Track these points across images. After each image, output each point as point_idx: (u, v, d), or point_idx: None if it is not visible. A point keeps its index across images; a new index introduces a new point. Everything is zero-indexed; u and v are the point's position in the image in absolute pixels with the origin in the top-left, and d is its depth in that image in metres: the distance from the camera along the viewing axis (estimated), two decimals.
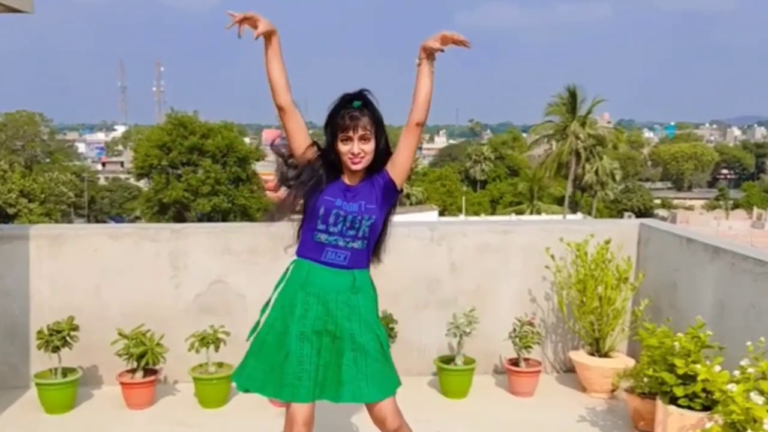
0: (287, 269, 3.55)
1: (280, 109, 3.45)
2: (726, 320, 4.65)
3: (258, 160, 52.33)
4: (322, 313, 3.41)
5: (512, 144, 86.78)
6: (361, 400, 3.43)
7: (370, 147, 3.40)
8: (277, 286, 3.57)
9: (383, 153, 3.47)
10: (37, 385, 5.35)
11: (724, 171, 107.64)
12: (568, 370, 6.09)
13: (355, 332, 3.41)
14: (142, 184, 56.20)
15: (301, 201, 3.51)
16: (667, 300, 5.45)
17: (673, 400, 4.24)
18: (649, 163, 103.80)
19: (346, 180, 3.48)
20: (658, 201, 80.00)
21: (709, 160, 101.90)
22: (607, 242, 5.67)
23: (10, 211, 49.56)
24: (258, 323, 3.57)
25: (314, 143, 3.50)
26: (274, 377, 3.40)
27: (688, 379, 4.17)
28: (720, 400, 3.60)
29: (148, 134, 53.21)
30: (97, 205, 66.81)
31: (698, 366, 3.94)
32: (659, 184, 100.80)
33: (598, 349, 5.70)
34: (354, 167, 3.41)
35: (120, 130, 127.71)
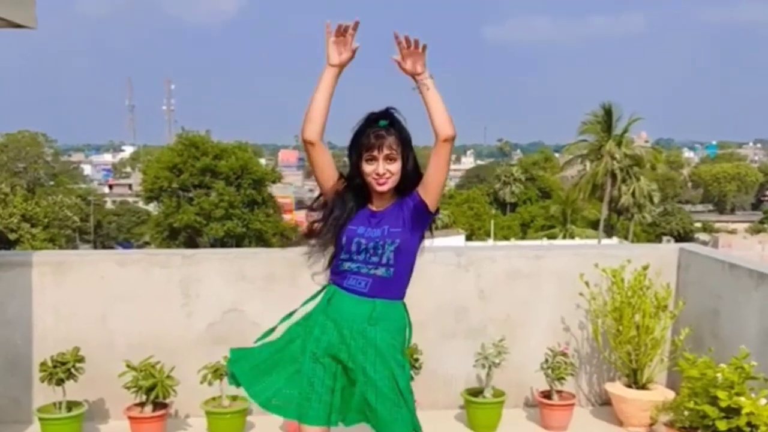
0: (321, 288, 3.61)
1: (310, 143, 3.47)
2: None
3: (274, 182, 52.57)
4: (336, 341, 3.45)
5: (544, 164, 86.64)
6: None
7: (396, 167, 3.41)
8: (305, 302, 3.63)
9: (412, 174, 3.47)
10: (41, 419, 5.40)
11: None
12: (604, 403, 6.08)
13: (368, 367, 3.42)
14: (152, 207, 56.54)
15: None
16: (709, 329, 5.44)
17: None
18: (690, 184, 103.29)
19: (373, 207, 3.50)
20: (698, 224, 79.42)
21: (753, 180, 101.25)
22: (645, 268, 5.67)
23: (12, 236, 49.88)
24: (273, 329, 3.68)
25: (341, 175, 3.54)
26: (282, 389, 3.48)
27: (732, 412, 4.15)
28: None
29: (158, 155, 53.57)
30: (104, 230, 67.12)
31: (742, 399, 3.93)
32: (700, 207, 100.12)
33: (635, 380, 5.69)
34: (379, 188, 3.42)
35: (128, 150, 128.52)
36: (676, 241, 70.57)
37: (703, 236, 72.27)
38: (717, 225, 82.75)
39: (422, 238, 3.55)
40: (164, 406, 5.55)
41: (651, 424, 5.53)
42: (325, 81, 3.40)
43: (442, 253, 6.05)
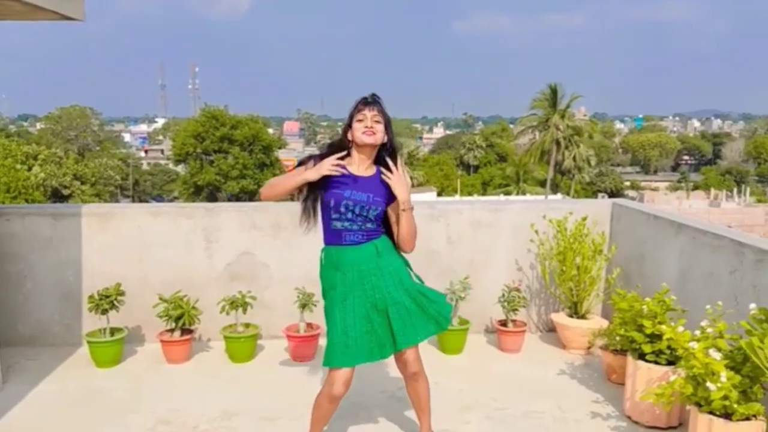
0: (321, 258, 3.54)
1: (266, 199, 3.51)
2: (688, 287, 4.59)
3: (280, 148, 52.13)
4: (359, 284, 3.42)
5: (501, 134, 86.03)
6: (404, 345, 3.46)
7: (380, 129, 3.41)
8: (321, 276, 3.56)
9: (389, 147, 3.48)
10: (89, 342, 5.34)
11: (686, 157, 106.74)
12: (550, 330, 6.04)
13: (391, 289, 3.45)
14: (180, 168, 56.08)
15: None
16: (636, 269, 5.39)
17: (642, 356, 4.18)
18: (620, 150, 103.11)
19: (355, 170, 3.45)
20: (627, 183, 79.47)
21: (672, 147, 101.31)
22: (584, 219, 5.59)
23: (65, 192, 49.55)
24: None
25: (301, 162, 3.55)
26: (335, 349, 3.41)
27: (655, 338, 4.12)
28: (683, 356, 3.54)
29: (185, 126, 53.01)
30: (141, 187, 66.66)
31: (663, 326, 3.89)
32: (629, 169, 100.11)
33: (576, 311, 5.65)
34: (367, 139, 3.38)
35: (160, 122, 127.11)
36: (609, 197, 70.18)
37: (631, 193, 72.30)
38: (643, 184, 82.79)
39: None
40: (190, 331, 5.50)
41: (589, 348, 5.51)
42: (292, 186, 3.43)
43: (417, 206, 5.93)
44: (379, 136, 3.41)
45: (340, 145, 3.48)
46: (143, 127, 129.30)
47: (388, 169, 3.42)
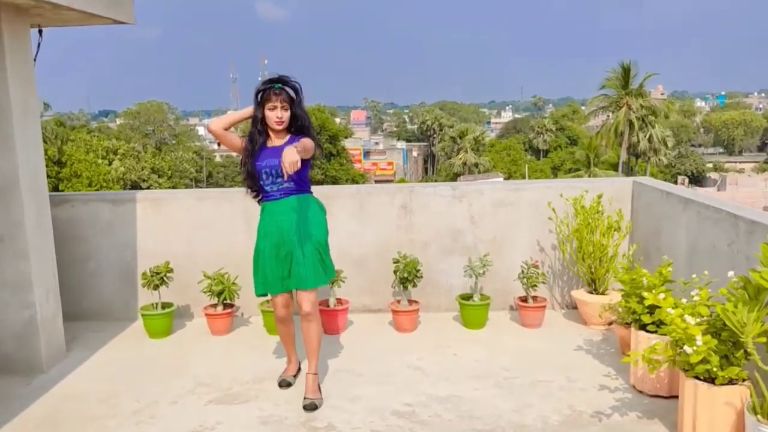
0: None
1: (216, 134, 4.48)
2: (695, 260, 4.78)
3: (346, 137, 52.70)
4: (276, 232, 4.35)
5: (572, 116, 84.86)
6: (301, 286, 4.36)
7: (287, 115, 4.33)
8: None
9: (299, 119, 4.38)
10: (143, 315, 5.90)
11: None
12: (574, 308, 6.25)
13: (298, 237, 4.32)
14: (234, 152, 57.22)
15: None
16: (654, 245, 5.57)
17: (643, 327, 4.39)
18: (702, 130, 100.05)
19: (273, 143, 4.39)
20: (710, 165, 77.17)
21: (758, 126, 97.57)
22: (599, 197, 5.81)
23: (144, 185, 51.48)
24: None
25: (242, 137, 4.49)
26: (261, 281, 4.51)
27: (655, 309, 4.30)
28: (666, 322, 3.77)
29: None
30: (214, 179, 68.27)
31: (661, 297, 4.08)
32: (711, 150, 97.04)
33: (595, 288, 5.85)
34: (278, 127, 4.33)
35: None
36: (690, 180, 68.62)
37: (713, 175, 70.13)
38: (726, 165, 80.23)
39: (308, 160, 4.32)
40: (231, 306, 6.00)
41: (610, 324, 5.69)
42: (228, 126, 4.50)
43: (440, 188, 6.26)
44: (287, 121, 4.33)
45: (260, 130, 4.40)
46: None
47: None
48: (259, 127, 4.37)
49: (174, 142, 68.82)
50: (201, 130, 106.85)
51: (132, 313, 6.32)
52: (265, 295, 4.58)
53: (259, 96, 4.34)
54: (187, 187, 58.85)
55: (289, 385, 4.76)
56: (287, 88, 4.33)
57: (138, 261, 6.31)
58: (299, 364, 4.95)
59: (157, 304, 5.95)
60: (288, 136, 4.40)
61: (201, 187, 65.81)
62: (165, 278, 5.91)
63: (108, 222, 6.29)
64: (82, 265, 6.32)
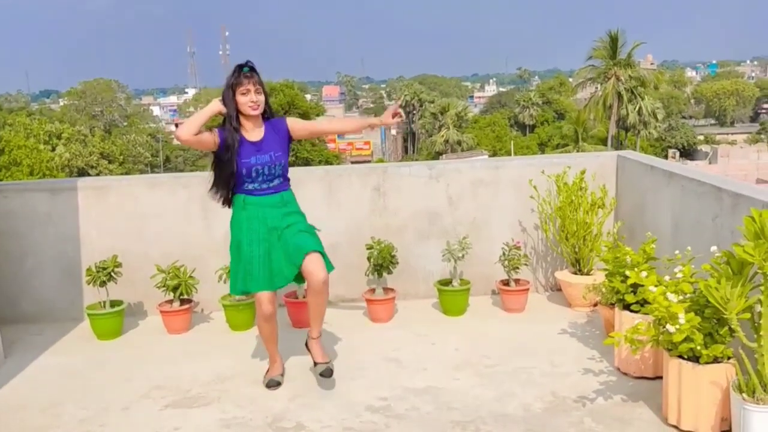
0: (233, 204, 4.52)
1: (186, 141, 4.36)
2: (679, 235, 4.86)
3: (318, 115, 52.56)
4: (261, 224, 4.41)
5: (559, 89, 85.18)
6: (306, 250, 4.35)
7: (262, 99, 4.36)
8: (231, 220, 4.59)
9: (269, 106, 4.50)
10: (89, 315, 5.83)
11: (766, 106, 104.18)
12: (558, 290, 6.32)
13: (289, 223, 4.44)
14: (206, 149, 56.99)
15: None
16: (639, 222, 5.64)
17: (627, 307, 4.48)
18: (692, 101, 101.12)
19: (250, 137, 4.41)
20: (701, 137, 78.02)
21: (751, 95, 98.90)
22: (582, 173, 5.87)
23: (92, 172, 50.90)
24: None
25: (210, 129, 4.42)
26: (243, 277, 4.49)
27: (638, 288, 4.37)
28: (649, 300, 3.84)
29: (217, 95, 53.80)
30: (172, 164, 67.80)
31: (644, 275, 4.15)
32: (702, 122, 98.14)
33: (579, 268, 5.94)
34: (253, 112, 4.34)
35: (191, 92, 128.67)
36: (681, 153, 69.38)
37: (705, 148, 71.00)
38: (718, 137, 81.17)
39: (288, 149, 4.55)
40: (189, 301, 5.95)
41: (594, 305, 5.74)
42: (202, 123, 4.33)
43: (416, 167, 6.28)
44: (262, 106, 4.37)
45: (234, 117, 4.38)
46: (173, 99, 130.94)
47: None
48: (234, 123, 4.36)
49: (125, 124, 68.25)
50: (156, 110, 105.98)
51: (77, 313, 6.22)
52: (246, 293, 4.63)
53: (231, 87, 4.34)
54: (141, 173, 58.43)
55: (278, 384, 4.71)
56: (257, 73, 4.38)
57: (82, 256, 6.21)
58: (283, 364, 4.91)
59: (104, 302, 5.87)
60: (263, 124, 4.45)
61: (157, 173, 65.52)
62: (113, 274, 5.83)
63: (46, 214, 6.17)
64: (19, 263, 6.21)
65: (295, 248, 4.36)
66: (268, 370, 4.82)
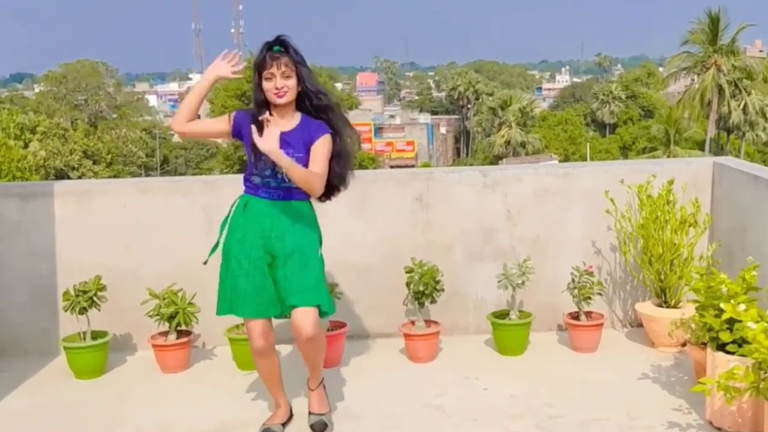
0: (234, 203, 4.51)
1: (181, 132, 4.57)
2: None
3: (351, 108, 52.48)
4: (257, 238, 4.41)
5: (646, 80, 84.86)
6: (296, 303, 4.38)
7: (292, 83, 4.29)
8: (222, 225, 4.59)
9: (312, 90, 4.37)
10: (65, 348, 5.85)
11: None
12: (638, 325, 6.28)
13: (289, 252, 4.41)
14: (221, 140, 57.34)
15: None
16: (739, 244, 5.60)
17: (724, 348, 4.43)
18: None
19: (280, 126, 4.26)
20: None
21: None
22: (671, 183, 5.85)
23: (73, 174, 51.08)
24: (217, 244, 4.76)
25: (228, 113, 4.53)
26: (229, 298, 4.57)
27: (737, 324, 4.31)
28: (749, 340, 3.81)
29: (226, 83, 54.14)
30: (171, 165, 67.98)
31: (742, 308, 4.12)
32: None
33: (665, 300, 5.91)
34: (278, 101, 4.30)
35: (195, 78, 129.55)
36: None
37: None
38: None
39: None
40: (188, 333, 5.97)
41: (684, 344, 5.65)
42: (205, 93, 4.46)
43: (467, 173, 6.31)
44: (292, 92, 4.31)
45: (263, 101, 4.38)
46: (173, 86, 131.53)
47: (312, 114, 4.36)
48: (261, 99, 4.36)
49: (115, 116, 68.59)
50: (152, 100, 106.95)
51: (51, 345, 6.21)
52: (233, 314, 4.66)
53: (256, 67, 4.33)
54: (133, 176, 58.88)
55: None
56: (291, 51, 4.32)
57: (58, 276, 6.21)
58: (291, 409, 4.90)
59: (84, 333, 5.86)
60: (299, 117, 4.43)
61: (153, 176, 66.12)
62: (95, 298, 5.82)
63: (15, 224, 6.21)
64: None
65: (286, 293, 4.43)
66: (270, 416, 4.86)
